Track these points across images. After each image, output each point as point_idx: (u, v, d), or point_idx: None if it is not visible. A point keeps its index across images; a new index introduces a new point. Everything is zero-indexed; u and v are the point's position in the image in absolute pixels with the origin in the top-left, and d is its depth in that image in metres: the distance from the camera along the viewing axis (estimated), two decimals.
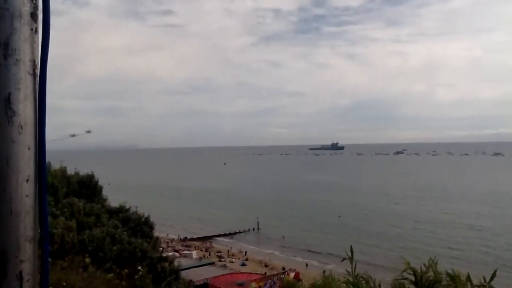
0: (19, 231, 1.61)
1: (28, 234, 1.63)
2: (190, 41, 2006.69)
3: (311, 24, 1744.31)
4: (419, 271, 6.73)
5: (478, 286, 6.60)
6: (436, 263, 6.75)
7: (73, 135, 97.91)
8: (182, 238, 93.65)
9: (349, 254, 7.60)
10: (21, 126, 1.62)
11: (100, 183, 30.16)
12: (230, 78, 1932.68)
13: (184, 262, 61.10)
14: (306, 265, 72.41)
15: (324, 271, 64.92)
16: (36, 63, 1.71)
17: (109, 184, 33.40)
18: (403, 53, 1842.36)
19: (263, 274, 62.61)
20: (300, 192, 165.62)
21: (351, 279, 7.25)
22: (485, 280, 6.61)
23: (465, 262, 66.05)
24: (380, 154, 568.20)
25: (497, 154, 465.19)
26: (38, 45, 1.71)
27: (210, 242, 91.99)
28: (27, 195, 1.63)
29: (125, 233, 20.46)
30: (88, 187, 28.27)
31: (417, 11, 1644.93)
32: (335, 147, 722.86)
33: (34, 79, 1.69)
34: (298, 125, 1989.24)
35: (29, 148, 1.65)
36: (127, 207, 26.91)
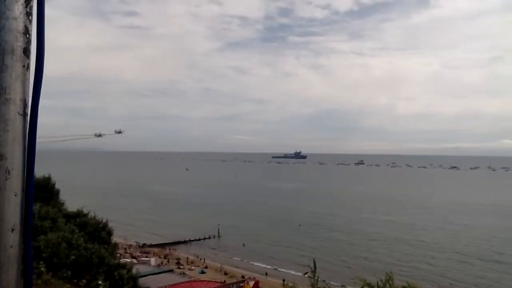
0: (2, 284, 1.49)
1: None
2: (155, 44, 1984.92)
3: (276, 33, 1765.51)
4: (376, 286, 6.80)
5: None
6: (392, 278, 6.86)
7: (99, 135, 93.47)
8: (140, 245, 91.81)
9: (312, 267, 7.63)
10: (8, 171, 1.50)
11: (57, 186, 29.27)
12: (196, 83, 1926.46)
13: (142, 269, 60.00)
14: (266, 273, 72.39)
15: (284, 280, 65.29)
16: (27, 102, 1.58)
17: (63, 186, 32.25)
18: (366, 66, 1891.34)
19: (222, 282, 62.12)
20: (262, 200, 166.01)
21: None
22: None
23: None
24: (341, 164, 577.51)
25: (453, 167, 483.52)
26: (29, 83, 1.59)
27: (169, 249, 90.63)
28: (11, 246, 1.50)
29: (81, 238, 19.84)
30: (44, 190, 27.34)
31: (380, 26, 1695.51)
32: (298, 156, 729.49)
33: (24, 119, 1.56)
34: (262, 133, 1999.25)
35: (15, 195, 1.52)
36: (85, 211, 26.18)
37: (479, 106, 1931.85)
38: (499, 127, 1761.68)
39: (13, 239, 1.50)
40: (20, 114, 1.54)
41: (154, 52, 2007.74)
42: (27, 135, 1.58)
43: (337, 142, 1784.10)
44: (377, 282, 7.05)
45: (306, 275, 8.51)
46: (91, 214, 25.98)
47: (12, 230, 1.49)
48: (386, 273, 7.45)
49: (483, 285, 64.16)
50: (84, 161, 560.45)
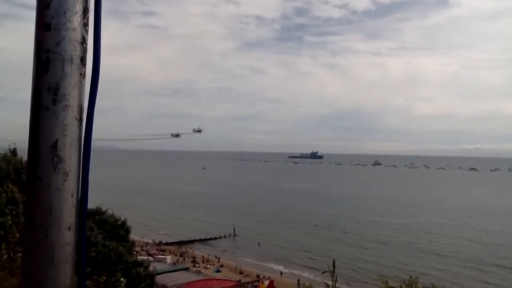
0: (59, 280, 1.59)
1: (67, 284, 1.62)
2: (172, 44, 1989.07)
3: (293, 33, 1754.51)
4: None
5: None
6: (417, 281, 6.91)
7: (177, 135, 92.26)
8: (157, 242, 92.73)
9: (331, 267, 7.74)
10: (66, 173, 1.62)
11: None
12: (212, 82, 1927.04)
13: (158, 267, 60.55)
14: (281, 273, 72.46)
15: (299, 280, 65.30)
16: (83, 108, 1.70)
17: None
18: (383, 65, 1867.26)
19: (237, 281, 62.43)
20: (278, 200, 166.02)
21: None
22: None
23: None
24: (358, 164, 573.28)
25: (472, 169, 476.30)
26: (85, 90, 1.71)
27: (185, 247, 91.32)
28: (68, 244, 1.62)
29: (100, 236, 20.24)
30: None
31: (397, 25, 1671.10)
32: (314, 156, 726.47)
33: (80, 124, 1.69)
34: (278, 133, 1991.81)
35: (72, 196, 1.65)
36: (104, 209, 26.62)
37: (497, 107, 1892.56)
38: None
39: (70, 237, 1.63)
40: (77, 119, 1.66)
41: (171, 51, 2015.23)
42: (82, 139, 1.71)
43: (354, 143, 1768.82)
44: (400, 285, 7.10)
45: (323, 274, 8.58)
46: (109, 212, 26.41)
47: (69, 229, 1.62)
48: (410, 276, 7.51)
49: None
50: (100, 159, 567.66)
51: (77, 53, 1.65)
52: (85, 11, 1.70)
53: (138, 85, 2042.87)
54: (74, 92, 1.64)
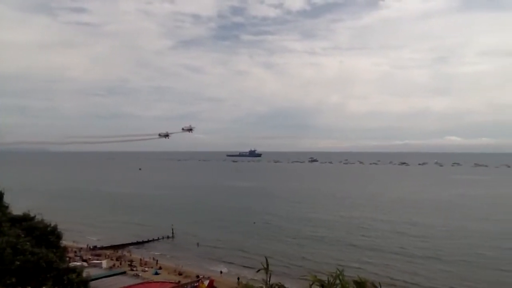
0: None
1: None
2: (105, 41, 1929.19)
3: (230, 32, 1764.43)
4: (326, 282, 7.22)
5: None
6: (343, 272, 7.30)
7: (166, 135, 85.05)
8: (91, 247, 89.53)
9: (264, 264, 8.00)
10: None
11: (2, 189, 28.27)
12: (149, 81, 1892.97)
13: (93, 272, 58.64)
14: (221, 272, 72.52)
15: (239, 278, 65.73)
16: None
17: (5, 189, 30.58)
18: (318, 65, 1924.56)
19: (176, 283, 61.66)
20: (217, 199, 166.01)
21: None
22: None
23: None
24: (296, 162, 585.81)
25: (403, 163, 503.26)
26: None
27: (121, 250, 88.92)
28: None
29: (28, 243, 19.34)
30: None
31: (331, 26, 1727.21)
32: (253, 154, 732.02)
33: None
34: (217, 131, 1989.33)
35: None
36: (32, 215, 25.46)
37: (425, 104, 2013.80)
38: (445, 124, 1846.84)
39: None
40: None
41: (104, 49, 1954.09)
42: None
43: (292, 140, 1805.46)
44: (328, 278, 7.44)
45: (258, 273, 8.83)
46: (39, 217, 25.29)
47: None
48: (337, 269, 7.87)
49: (418, 282, 66.87)
50: (31, 162, 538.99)
51: None
52: None
53: (71, 84, 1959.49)
54: None
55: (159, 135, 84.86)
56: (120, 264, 77.04)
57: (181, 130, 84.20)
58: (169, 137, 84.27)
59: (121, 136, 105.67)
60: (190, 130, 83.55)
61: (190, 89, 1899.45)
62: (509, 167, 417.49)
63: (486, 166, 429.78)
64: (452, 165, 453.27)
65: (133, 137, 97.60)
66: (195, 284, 60.69)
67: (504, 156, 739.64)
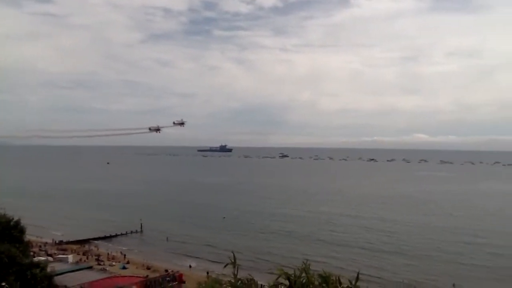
0: None
1: None
2: (74, 33, 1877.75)
3: (201, 26, 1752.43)
4: (293, 275, 7.37)
5: (348, 286, 7.40)
6: (309, 266, 7.45)
7: (157, 130, 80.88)
8: (57, 242, 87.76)
9: (232, 259, 8.10)
10: None
11: None
12: (118, 75, 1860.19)
13: (59, 267, 57.66)
14: (190, 266, 72.40)
15: (208, 273, 65.73)
16: None
17: None
18: (290, 61, 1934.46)
19: (144, 277, 61.21)
20: (187, 194, 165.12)
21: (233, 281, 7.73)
22: (350, 283, 7.45)
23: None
24: (266, 157, 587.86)
25: (371, 160, 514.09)
26: None
27: (88, 245, 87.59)
28: None
29: None
30: None
31: (303, 23, 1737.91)
32: (223, 149, 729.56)
33: None
34: (188, 126, 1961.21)
35: None
36: None
37: (395, 102, 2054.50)
38: (413, 122, 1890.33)
39: None
40: None
41: (72, 41, 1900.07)
42: None
43: (263, 136, 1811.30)
44: (294, 271, 7.58)
45: (225, 267, 8.96)
46: (0, 212, 24.70)
47: None
48: (303, 262, 8.03)
49: (383, 275, 68.66)
50: None
51: None
52: None
53: (37, 77, 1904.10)
54: None
55: (150, 129, 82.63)
56: (87, 258, 75.95)
57: (173, 124, 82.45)
58: (160, 131, 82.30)
59: (111, 130, 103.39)
60: (182, 124, 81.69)
61: (160, 84, 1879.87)
62: (473, 164, 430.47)
63: (452, 163, 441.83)
64: (419, 162, 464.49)
65: (123, 131, 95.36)
66: (167, 279, 60.10)
67: (469, 154, 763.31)
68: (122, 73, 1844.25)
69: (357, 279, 7.33)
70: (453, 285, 61.03)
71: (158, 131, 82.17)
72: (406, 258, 76.89)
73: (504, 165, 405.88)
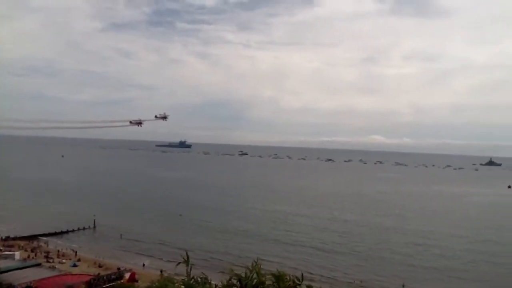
0: None
1: None
2: (30, 17, 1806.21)
3: (164, 18, 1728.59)
4: (244, 275, 7.28)
5: (298, 284, 7.40)
6: (259, 265, 7.39)
7: (139, 123, 75.42)
8: (3, 237, 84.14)
9: (185, 258, 7.97)
10: None
11: None
12: (77, 64, 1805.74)
13: (4, 264, 55.65)
14: (143, 265, 71.26)
15: (162, 271, 64.85)
16: None
17: None
18: (253, 58, 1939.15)
19: (95, 275, 59.76)
20: (143, 190, 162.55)
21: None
22: (298, 279, 7.45)
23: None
24: (226, 154, 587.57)
25: (329, 160, 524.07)
26: None
27: (37, 241, 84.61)
28: None
29: None
30: None
31: (267, 20, 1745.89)
32: (182, 145, 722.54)
33: None
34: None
35: None
36: None
37: (353, 103, 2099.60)
38: (370, 123, 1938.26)
39: None
40: None
41: (28, 25, 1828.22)
42: None
43: (223, 132, 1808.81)
44: (245, 272, 7.50)
45: (177, 266, 8.79)
46: None
47: None
48: (254, 261, 7.96)
49: (334, 276, 70.10)
50: None
51: None
52: None
53: None
54: None
55: (131, 122, 79.71)
56: (36, 255, 73.39)
57: (155, 118, 79.87)
58: (142, 125, 79.61)
59: (89, 122, 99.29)
60: (164, 118, 79.23)
61: (121, 75, 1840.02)
62: (426, 167, 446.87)
63: (406, 165, 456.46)
64: (375, 163, 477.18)
65: (102, 124, 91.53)
66: (113, 277, 58.95)
67: (423, 156, 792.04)
68: (81, 62, 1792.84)
69: (302, 279, 7.49)
70: (403, 285, 62.81)
71: (140, 125, 79.80)
72: (357, 258, 78.81)
73: (455, 168, 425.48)
